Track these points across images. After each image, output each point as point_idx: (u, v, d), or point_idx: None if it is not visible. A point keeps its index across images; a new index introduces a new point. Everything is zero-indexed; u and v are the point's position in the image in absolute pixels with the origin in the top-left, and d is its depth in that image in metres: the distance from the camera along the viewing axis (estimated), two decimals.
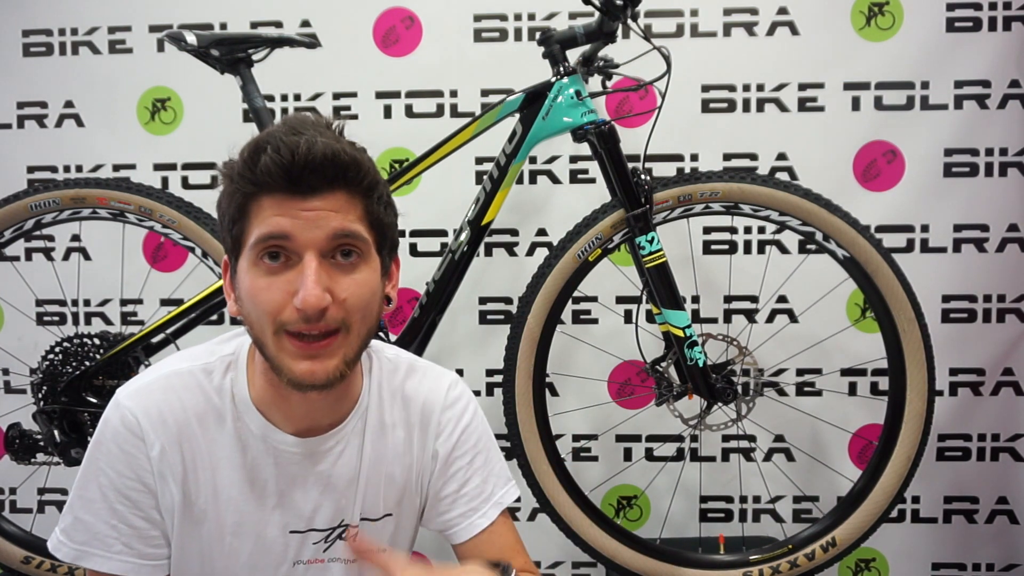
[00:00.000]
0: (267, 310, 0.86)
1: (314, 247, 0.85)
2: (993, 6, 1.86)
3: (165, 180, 1.99)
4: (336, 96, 1.96)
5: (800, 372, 1.95)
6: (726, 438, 1.98)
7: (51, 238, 2.01)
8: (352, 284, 0.88)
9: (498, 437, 1.17)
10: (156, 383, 0.96)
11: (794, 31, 1.90)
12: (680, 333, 1.52)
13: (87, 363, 1.63)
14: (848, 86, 1.90)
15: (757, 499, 1.99)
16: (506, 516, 1.09)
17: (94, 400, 1.62)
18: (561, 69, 1.54)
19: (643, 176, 1.52)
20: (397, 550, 1.07)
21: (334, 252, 0.87)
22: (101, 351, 1.64)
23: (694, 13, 1.91)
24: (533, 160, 1.96)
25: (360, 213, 0.89)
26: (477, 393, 2.00)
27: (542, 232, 1.97)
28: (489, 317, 1.99)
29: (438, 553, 2.02)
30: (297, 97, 1.97)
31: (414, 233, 1.97)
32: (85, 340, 1.65)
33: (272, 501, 0.98)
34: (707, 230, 1.94)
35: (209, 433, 0.96)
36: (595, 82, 1.66)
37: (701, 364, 1.53)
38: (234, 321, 2.02)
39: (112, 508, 0.94)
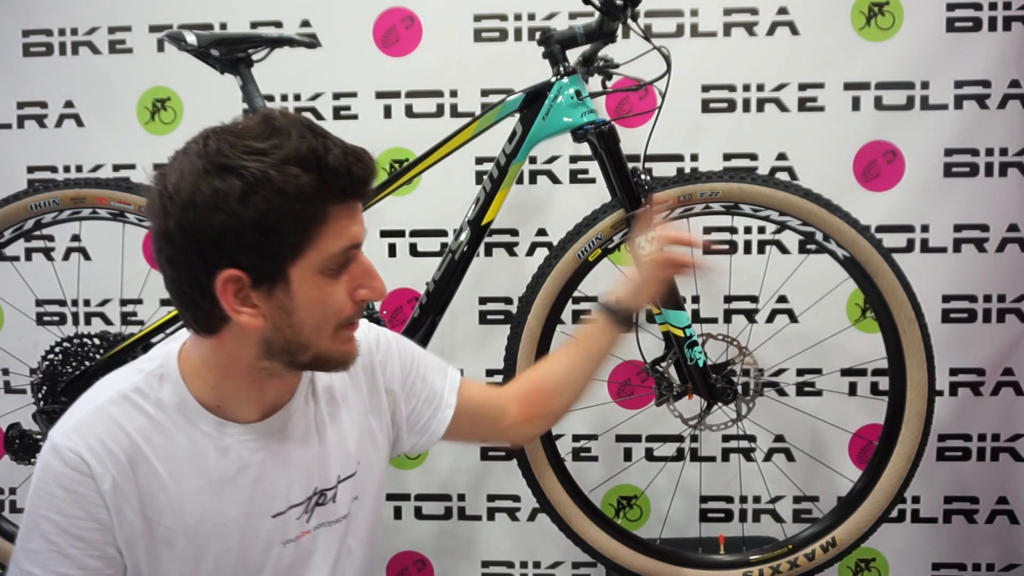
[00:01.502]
0: (334, 311, 0.91)
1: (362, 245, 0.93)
2: (993, 6, 1.86)
3: None
4: (336, 96, 1.96)
5: (800, 372, 1.95)
6: (726, 438, 1.98)
7: (51, 238, 2.01)
8: None
9: None
10: (93, 417, 0.92)
11: (794, 31, 1.90)
12: (680, 333, 1.52)
13: (87, 363, 1.63)
14: (848, 86, 1.89)
15: (757, 499, 1.99)
16: (461, 385, 1.19)
17: None
18: (561, 69, 1.54)
19: (643, 176, 1.51)
20: (372, 493, 1.11)
21: None
22: (101, 351, 1.64)
23: (694, 13, 1.91)
24: (533, 160, 1.96)
25: None
26: None
27: (542, 232, 1.97)
28: (489, 317, 1.99)
29: (439, 553, 2.02)
30: (297, 97, 1.97)
31: (414, 233, 1.97)
32: (85, 340, 1.65)
33: (246, 493, 0.98)
34: (707, 230, 1.93)
35: (159, 451, 0.93)
36: (595, 82, 1.66)
37: (701, 364, 1.53)
38: None
39: (63, 554, 0.90)
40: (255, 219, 0.83)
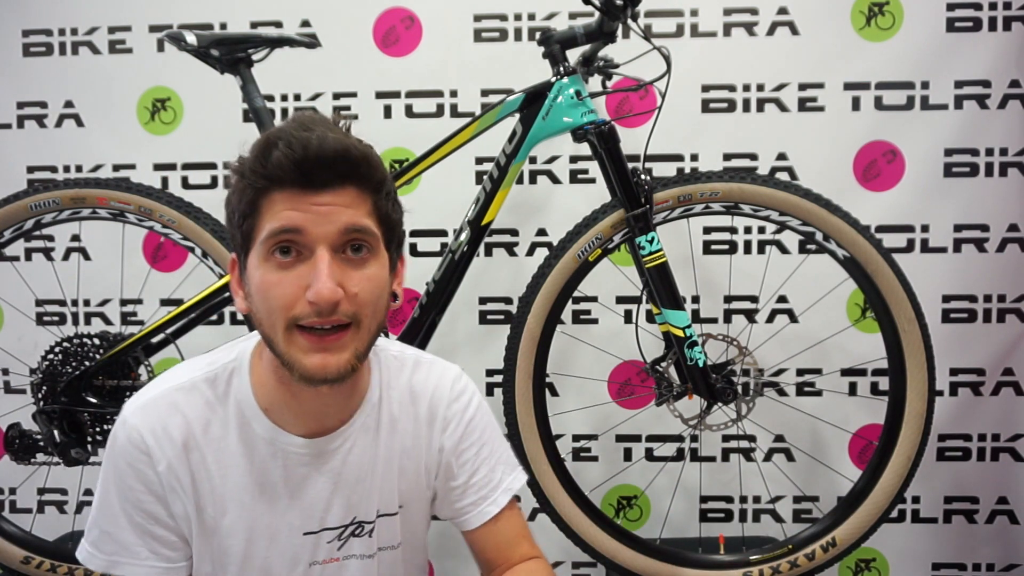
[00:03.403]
0: (279, 305, 0.87)
1: (325, 241, 0.86)
2: (993, 6, 1.86)
3: (165, 180, 1.99)
4: (336, 96, 1.96)
5: (800, 372, 1.95)
6: (726, 438, 1.98)
7: (51, 238, 2.01)
8: (363, 279, 0.89)
9: None
10: (160, 399, 0.97)
11: (794, 31, 1.90)
12: (680, 333, 1.52)
13: (87, 363, 1.63)
14: (848, 86, 1.89)
15: (757, 499, 1.99)
16: (513, 503, 1.11)
17: (94, 400, 1.62)
18: (561, 69, 1.54)
19: (643, 176, 1.51)
20: (412, 542, 1.09)
21: (344, 247, 0.88)
22: (101, 351, 1.64)
23: (694, 13, 1.91)
24: (533, 160, 1.96)
25: (369, 208, 0.90)
26: None
27: (542, 232, 1.97)
28: (489, 317, 1.99)
29: (438, 553, 2.02)
30: (297, 97, 1.97)
31: (414, 233, 1.97)
32: (85, 340, 1.65)
33: (284, 504, 0.99)
34: (707, 230, 1.94)
35: (214, 443, 0.97)
36: (595, 82, 1.66)
37: (701, 364, 1.53)
38: (235, 321, 2.02)
39: (132, 520, 0.96)
40: (226, 203, 0.91)
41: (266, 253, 0.87)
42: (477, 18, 1.93)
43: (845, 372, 1.95)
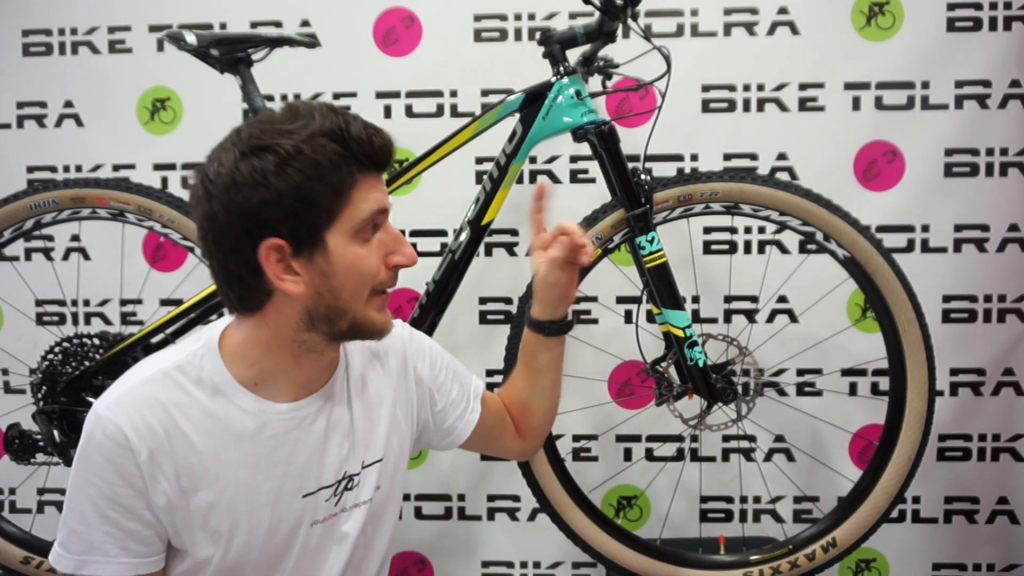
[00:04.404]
0: (371, 275, 0.97)
1: (387, 216, 1.00)
2: (993, 6, 1.86)
3: (165, 180, 1.99)
4: (336, 96, 1.96)
5: (800, 372, 1.95)
6: (726, 438, 1.98)
7: (51, 238, 2.01)
8: None
9: None
10: (134, 391, 0.98)
11: (794, 31, 1.90)
12: (680, 333, 1.52)
13: (87, 363, 1.63)
14: (848, 86, 1.89)
15: (757, 499, 1.99)
16: (484, 397, 1.29)
17: (93, 400, 1.61)
18: (561, 69, 1.54)
19: (643, 176, 1.51)
20: (394, 484, 1.15)
21: None
22: (101, 351, 1.64)
23: (694, 13, 1.90)
24: (533, 160, 1.96)
25: None
26: None
27: None
28: (489, 317, 1.99)
29: (439, 553, 2.02)
30: (297, 97, 1.97)
31: (414, 233, 1.97)
32: (85, 340, 1.65)
33: (279, 470, 1.02)
34: (707, 230, 1.94)
35: (197, 425, 0.98)
36: (595, 82, 1.66)
37: (701, 364, 1.53)
38: None
39: (104, 516, 0.96)
40: (292, 189, 0.90)
41: (357, 231, 0.95)
42: (477, 18, 1.92)
43: (845, 372, 1.95)
